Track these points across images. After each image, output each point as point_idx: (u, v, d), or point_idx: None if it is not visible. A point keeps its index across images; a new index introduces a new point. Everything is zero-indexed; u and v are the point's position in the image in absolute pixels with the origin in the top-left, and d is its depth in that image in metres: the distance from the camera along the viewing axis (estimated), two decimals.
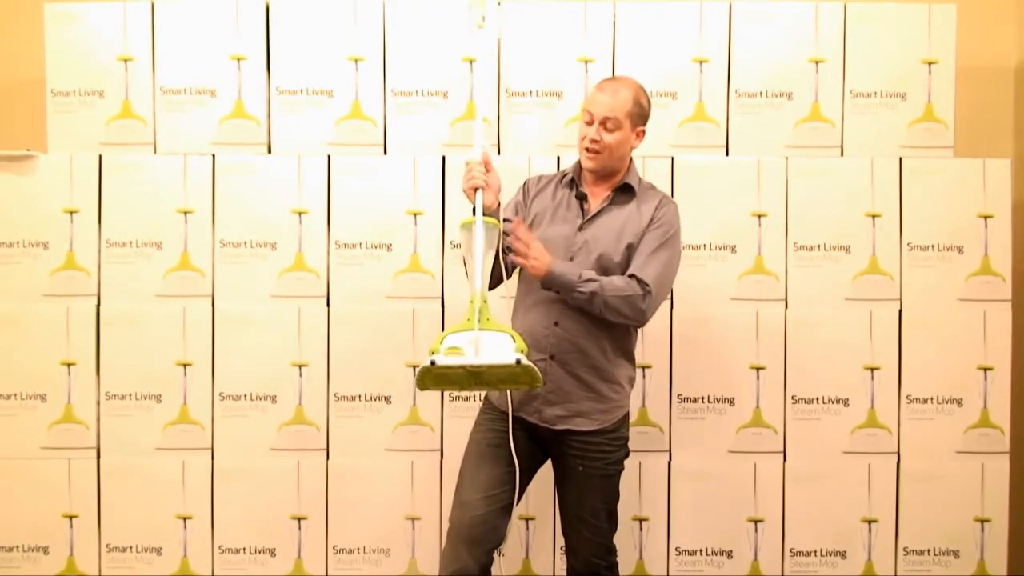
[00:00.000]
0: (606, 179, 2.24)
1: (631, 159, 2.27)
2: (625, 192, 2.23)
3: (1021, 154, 3.04)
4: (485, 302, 2.01)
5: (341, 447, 2.65)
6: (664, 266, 2.16)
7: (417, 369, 1.95)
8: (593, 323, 2.16)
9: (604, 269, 2.15)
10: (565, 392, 2.17)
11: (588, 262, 2.16)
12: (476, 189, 2.13)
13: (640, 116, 2.22)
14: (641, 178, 2.29)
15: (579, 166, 2.27)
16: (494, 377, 1.98)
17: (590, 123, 2.18)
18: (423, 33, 2.68)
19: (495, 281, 2.16)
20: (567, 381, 2.17)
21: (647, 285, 2.12)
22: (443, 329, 2.63)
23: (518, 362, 1.91)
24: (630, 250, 2.17)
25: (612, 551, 2.25)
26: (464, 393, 2.62)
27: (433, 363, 1.91)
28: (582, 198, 2.24)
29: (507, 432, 2.16)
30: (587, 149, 2.19)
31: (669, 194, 2.61)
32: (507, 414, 2.17)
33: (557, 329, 2.16)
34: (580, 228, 2.20)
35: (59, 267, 2.64)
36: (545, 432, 2.20)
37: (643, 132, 2.24)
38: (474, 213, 2.11)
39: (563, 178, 2.29)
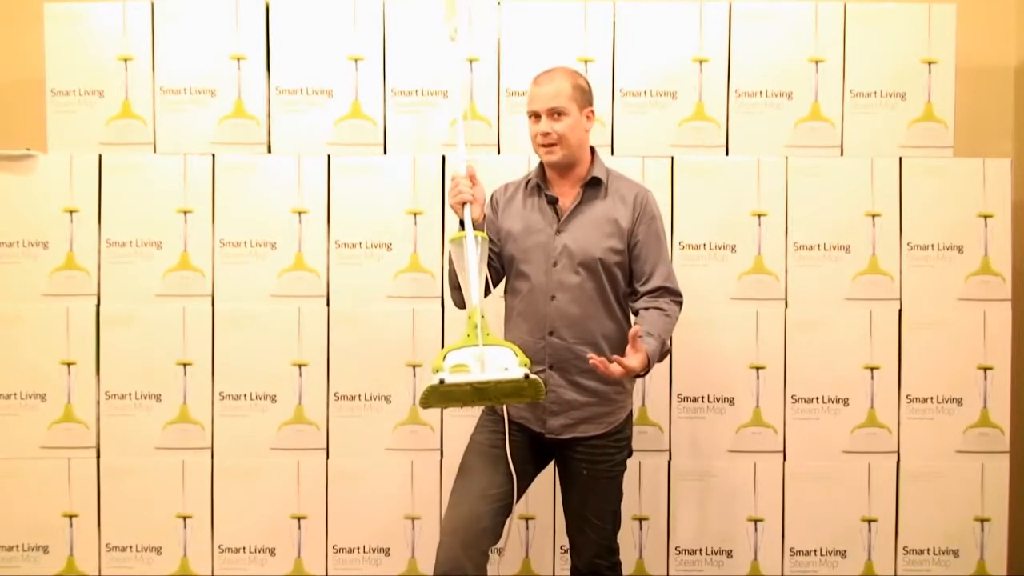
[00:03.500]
0: (571, 174, 2.20)
1: (594, 150, 2.24)
2: (595, 186, 2.20)
3: (1021, 154, 3.04)
4: (483, 317, 1.99)
5: (341, 447, 2.65)
6: (669, 257, 2.25)
7: (423, 389, 1.92)
8: (588, 328, 2.15)
9: (587, 268, 2.14)
10: (566, 402, 2.16)
11: (571, 265, 2.14)
12: (464, 203, 2.12)
13: (584, 98, 2.19)
14: (609, 169, 2.24)
15: (541, 170, 2.23)
16: (499, 392, 1.97)
17: (537, 120, 2.16)
18: (423, 33, 2.68)
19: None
20: (568, 391, 2.15)
21: (678, 295, 2.20)
22: (443, 330, 2.63)
23: (526, 376, 1.90)
24: (612, 244, 2.15)
25: (615, 551, 2.25)
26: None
27: (442, 381, 1.89)
28: (553, 201, 2.20)
29: (512, 435, 2.15)
30: (543, 145, 2.16)
31: (669, 194, 2.62)
32: (508, 418, 2.17)
33: (552, 339, 2.14)
34: (557, 232, 2.17)
35: (59, 267, 2.64)
36: (550, 440, 2.19)
37: (592, 112, 2.21)
38: (462, 227, 2.10)
39: (527, 184, 2.25)
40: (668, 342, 2.14)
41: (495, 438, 2.18)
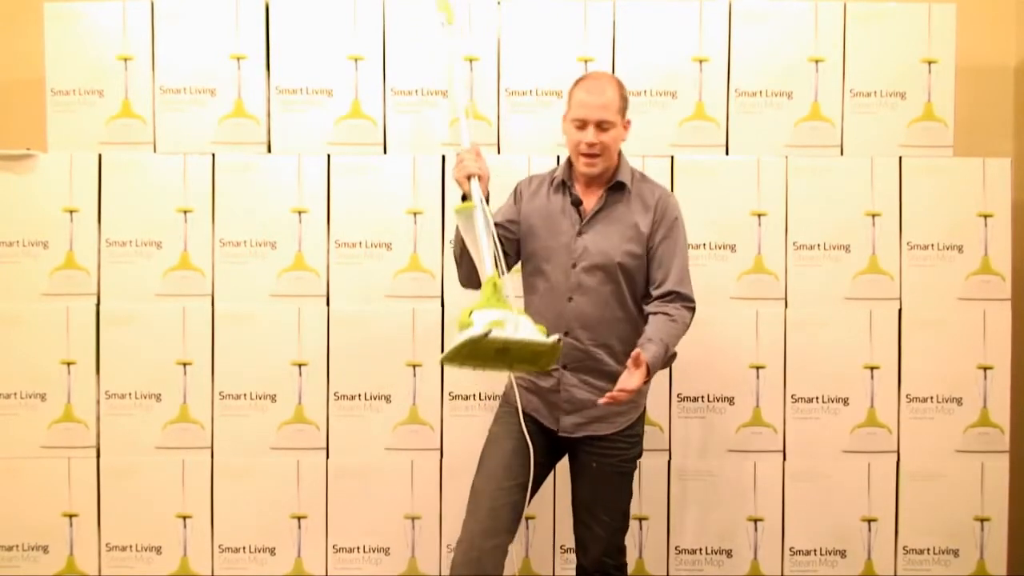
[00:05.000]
0: (598, 177, 2.21)
1: (621, 154, 2.25)
2: (619, 190, 2.21)
3: (1021, 153, 3.04)
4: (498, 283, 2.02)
5: (341, 446, 2.65)
6: (685, 262, 2.21)
7: (459, 341, 1.91)
8: (603, 328, 2.15)
9: (606, 271, 2.15)
10: (580, 401, 2.17)
11: (591, 267, 2.15)
12: (470, 177, 2.13)
13: (626, 107, 2.21)
14: (634, 170, 2.26)
15: (568, 168, 2.24)
16: (516, 357, 1.98)
17: (582, 128, 2.15)
18: (423, 32, 2.68)
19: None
20: (581, 390, 2.16)
21: (690, 301, 2.18)
22: (443, 329, 2.63)
23: (558, 341, 1.95)
24: (631, 248, 2.16)
25: (623, 551, 2.26)
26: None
27: (487, 333, 1.88)
28: (577, 203, 2.20)
29: (526, 427, 2.16)
30: (586, 155, 2.15)
31: None
32: (525, 411, 2.17)
33: (568, 338, 2.15)
34: (579, 233, 2.18)
35: (59, 266, 2.64)
36: (562, 437, 2.20)
37: (629, 122, 2.23)
38: (463, 199, 2.12)
39: (552, 181, 2.25)
40: (672, 347, 2.13)
41: (512, 429, 2.18)
